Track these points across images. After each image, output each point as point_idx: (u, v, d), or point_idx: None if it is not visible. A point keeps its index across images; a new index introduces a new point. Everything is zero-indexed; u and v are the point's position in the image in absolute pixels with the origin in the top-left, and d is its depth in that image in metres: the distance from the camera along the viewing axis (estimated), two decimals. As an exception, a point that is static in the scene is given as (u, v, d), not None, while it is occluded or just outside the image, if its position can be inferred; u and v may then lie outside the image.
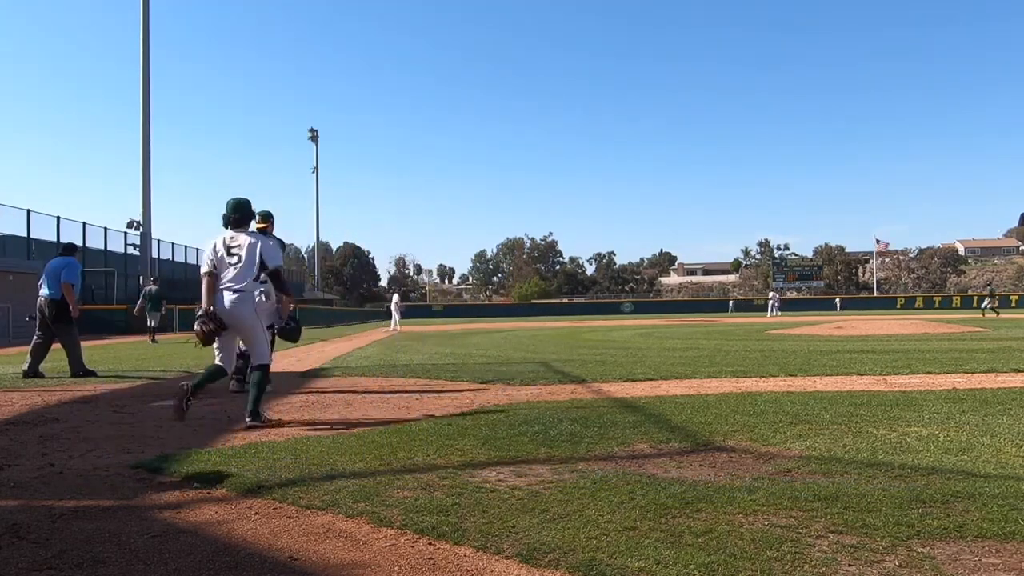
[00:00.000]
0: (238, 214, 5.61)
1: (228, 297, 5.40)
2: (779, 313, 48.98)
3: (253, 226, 5.82)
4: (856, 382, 7.60)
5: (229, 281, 5.44)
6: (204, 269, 5.53)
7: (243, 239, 5.53)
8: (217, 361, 5.54)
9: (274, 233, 7.60)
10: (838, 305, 64.88)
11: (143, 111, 23.34)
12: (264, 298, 7.43)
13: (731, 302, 73.58)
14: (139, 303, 20.67)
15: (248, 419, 5.33)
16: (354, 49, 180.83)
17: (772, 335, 19.70)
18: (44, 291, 9.64)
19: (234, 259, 5.45)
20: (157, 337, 20.75)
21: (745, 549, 2.48)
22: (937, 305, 68.68)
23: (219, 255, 5.49)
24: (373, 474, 3.66)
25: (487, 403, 6.35)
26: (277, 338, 7.57)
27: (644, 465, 3.80)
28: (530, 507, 3.02)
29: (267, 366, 5.61)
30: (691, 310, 70.66)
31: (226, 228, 5.60)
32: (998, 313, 35.95)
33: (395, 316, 31.29)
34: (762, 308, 61.61)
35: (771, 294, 53.59)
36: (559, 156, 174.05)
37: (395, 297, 34.29)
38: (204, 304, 5.38)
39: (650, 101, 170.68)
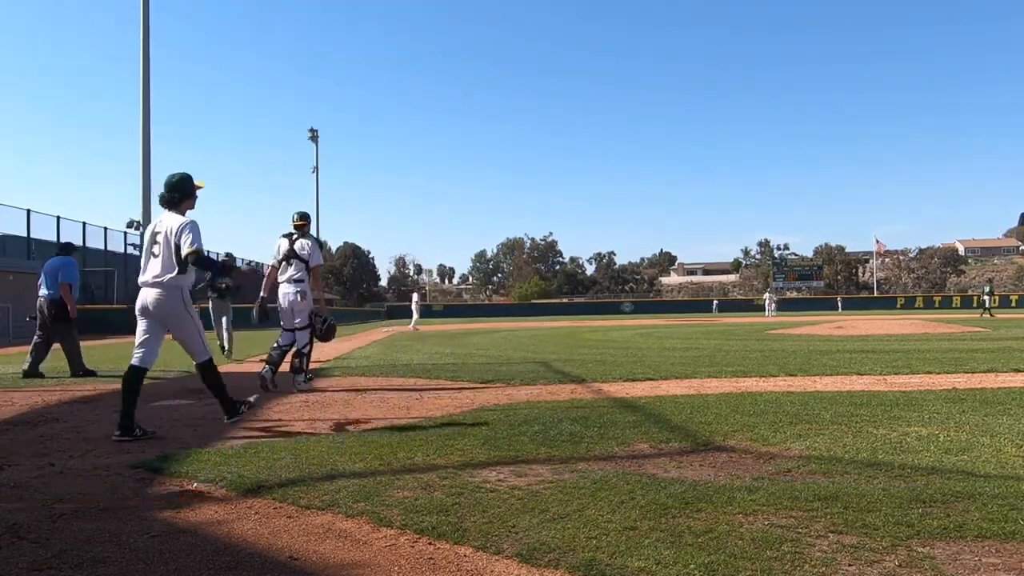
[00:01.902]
0: (176, 193, 5.02)
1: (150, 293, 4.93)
2: (776, 312, 49.08)
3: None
4: (856, 382, 7.59)
5: (147, 273, 4.94)
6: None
7: (166, 223, 4.94)
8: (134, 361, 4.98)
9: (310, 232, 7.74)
10: (840, 305, 64.61)
11: (143, 111, 23.29)
12: (300, 297, 7.51)
13: (715, 302, 73.27)
14: None
15: (226, 417, 5.14)
16: (354, 49, 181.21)
17: (772, 335, 19.69)
18: (43, 291, 9.66)
19: (156, 247, 4.92)
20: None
21: (745, 549, 2.48)
22: (937, 305, 68.68)
23: (144, 245, 5.02)
24: (373, 474, 3.66)
25: (487, 403, 6.35)
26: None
27: (644, 465, 3.80)
28: (530, 507, 3.02)
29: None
30: (687, 310, 70.69)
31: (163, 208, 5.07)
32: (992, 314, 35.75)
33: (415, 315, 32.12)
34: (753, 308, 61.76)
35: (767, 294, 53.74)
36: (559, 156, 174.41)
37: (414, 296, 35.73)
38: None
39: (650, 101, 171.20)
